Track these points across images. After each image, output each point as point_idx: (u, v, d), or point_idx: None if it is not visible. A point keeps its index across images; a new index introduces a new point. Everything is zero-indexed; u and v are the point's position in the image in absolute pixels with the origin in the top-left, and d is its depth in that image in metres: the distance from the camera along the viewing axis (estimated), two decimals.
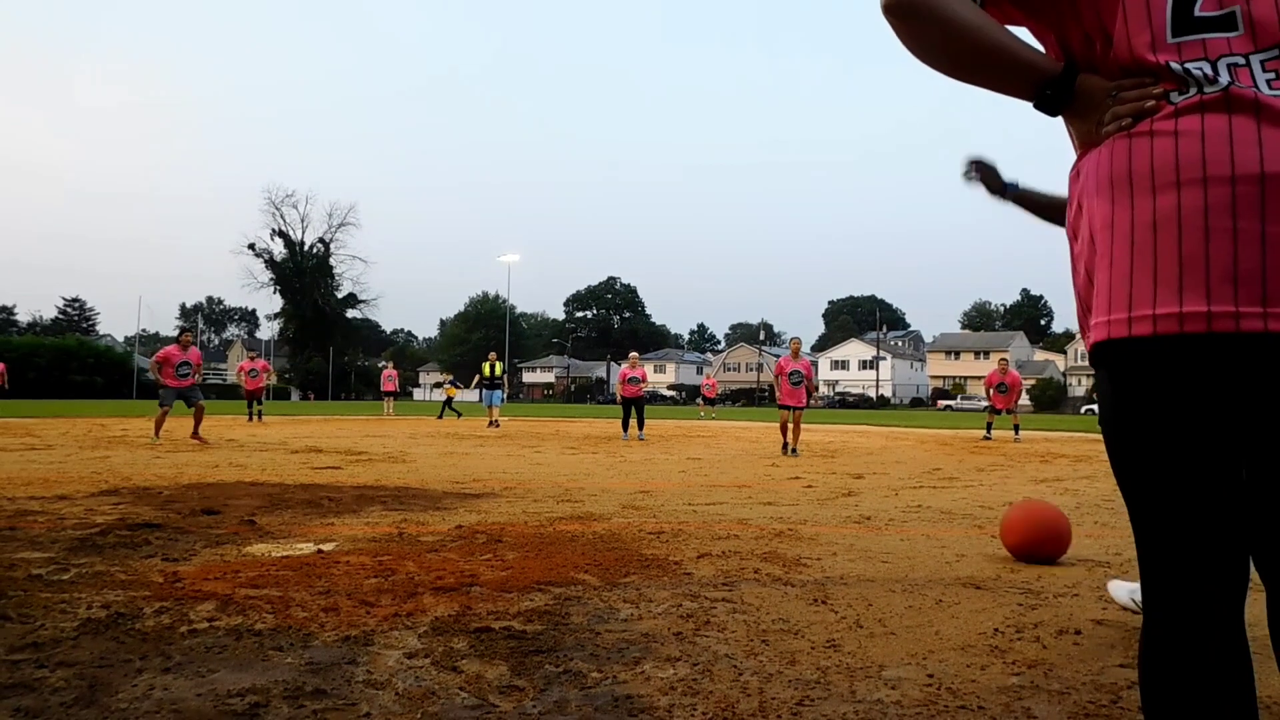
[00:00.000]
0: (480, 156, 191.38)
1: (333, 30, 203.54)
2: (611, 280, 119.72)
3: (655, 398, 75.15)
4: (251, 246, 76.07)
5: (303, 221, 79.23)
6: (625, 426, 16.12)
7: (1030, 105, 1.24)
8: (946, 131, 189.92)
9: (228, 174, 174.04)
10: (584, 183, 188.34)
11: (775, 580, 3.77)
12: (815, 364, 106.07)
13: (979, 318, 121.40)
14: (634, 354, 17.27)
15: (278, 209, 77.44)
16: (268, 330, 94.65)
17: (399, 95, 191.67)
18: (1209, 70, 1.13)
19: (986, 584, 3.79)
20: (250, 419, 20.21)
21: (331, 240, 78.59)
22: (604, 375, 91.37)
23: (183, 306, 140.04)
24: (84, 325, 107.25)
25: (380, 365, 31.42)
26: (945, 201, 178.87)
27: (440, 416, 25.77)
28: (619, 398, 16.37)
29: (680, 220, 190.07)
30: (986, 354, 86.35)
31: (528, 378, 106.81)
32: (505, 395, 20.49)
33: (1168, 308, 1.10)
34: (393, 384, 29.06)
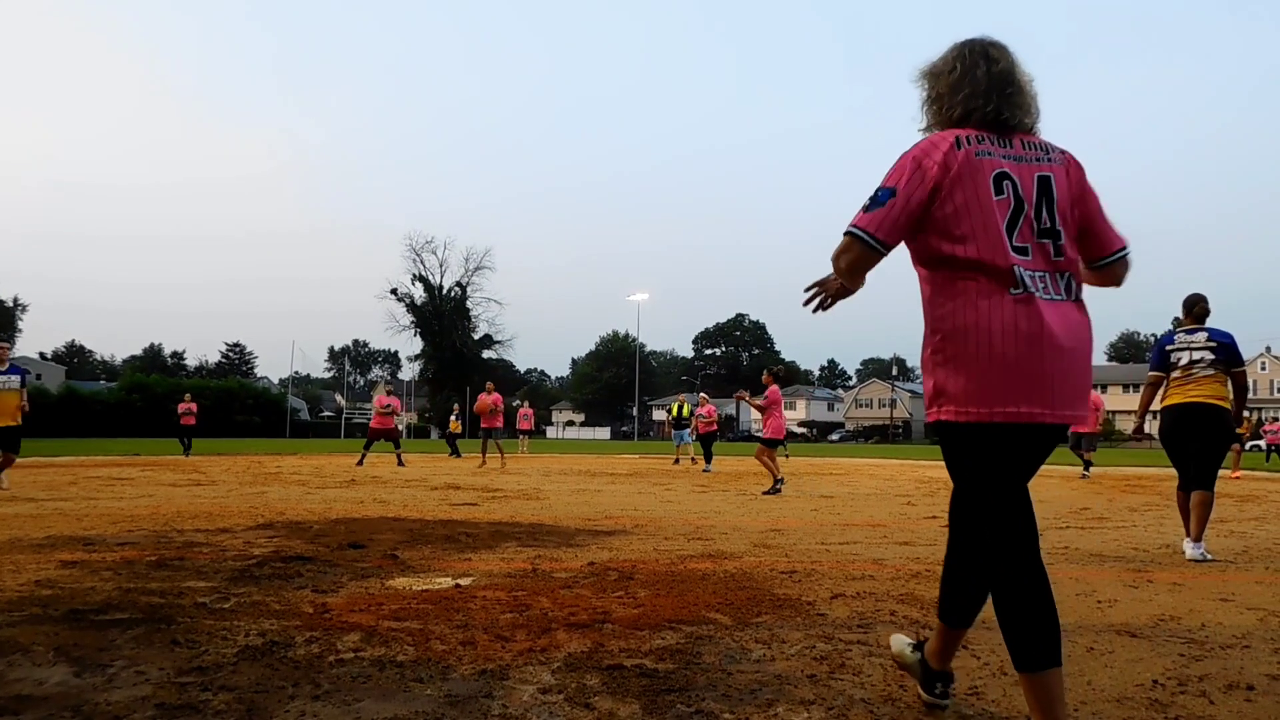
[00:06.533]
0: (608, 194, 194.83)
1: (470, 75, 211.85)
2: (740, 317, 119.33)
3: (786, 435, 74.49)
4: (394, 291, 79.84)
5: (441, 266, 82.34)
6: (707, 458, 18.65)
7: None
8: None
9: (372, 217, 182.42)
10: (712, 220, 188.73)
11: (913, 623, 3.65)
12: None
13: (1126, 349, 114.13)
14: (702, 394, 18.69)
15: (418, 255, 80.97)
16: (409, 371, 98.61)
17: (527, 133, 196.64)
18: None
19: (1143, 632, 3.57)
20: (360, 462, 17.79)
21: (468, 284, 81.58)
22: (733, 413, 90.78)
23: (331, 349, 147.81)
24: (244, 368, 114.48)
25: (515, 404, 32.14)
26: None
27: (505, 456, 24.38)
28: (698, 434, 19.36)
29: (810, 254, 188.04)
30: (1135, 387, 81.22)
31: (657, 415, 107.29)
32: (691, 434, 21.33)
33: None
34: (528, 422, 29.66)
